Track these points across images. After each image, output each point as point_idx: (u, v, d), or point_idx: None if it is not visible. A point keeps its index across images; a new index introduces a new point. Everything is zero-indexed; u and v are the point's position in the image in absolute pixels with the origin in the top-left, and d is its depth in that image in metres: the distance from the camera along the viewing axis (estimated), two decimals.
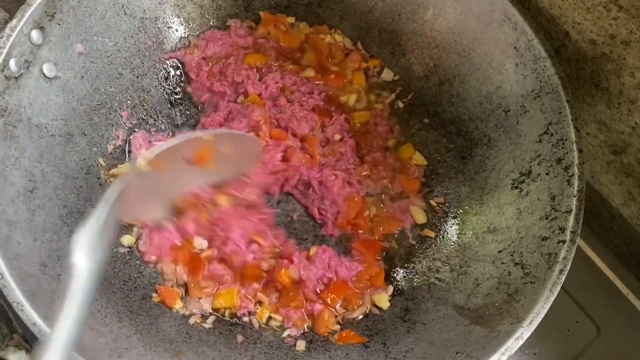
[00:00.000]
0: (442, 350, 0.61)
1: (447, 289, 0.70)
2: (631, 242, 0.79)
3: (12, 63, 0.60)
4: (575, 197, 0.61)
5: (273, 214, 0.75)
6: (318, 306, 0.70)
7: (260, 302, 0.70)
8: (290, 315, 0.69)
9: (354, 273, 0.72)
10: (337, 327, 0.70)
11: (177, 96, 0.80)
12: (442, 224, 0.76)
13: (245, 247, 0.70)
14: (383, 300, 0.71)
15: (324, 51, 0.82)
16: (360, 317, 0.71)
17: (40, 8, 0.62)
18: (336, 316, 0.70)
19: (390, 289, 0.73)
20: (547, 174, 0.65)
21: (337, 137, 0.78)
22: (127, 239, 0.71)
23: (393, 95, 0.82)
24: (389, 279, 0.73)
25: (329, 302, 0.70)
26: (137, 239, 0.71)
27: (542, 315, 0.57)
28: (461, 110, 0.77)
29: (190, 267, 0.70)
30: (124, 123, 0.76)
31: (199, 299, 0.69)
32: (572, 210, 0.61)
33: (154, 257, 0.71)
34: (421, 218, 0.77)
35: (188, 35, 0.80)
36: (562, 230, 0.60)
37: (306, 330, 0.70)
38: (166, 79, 0.80)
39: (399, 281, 0.74)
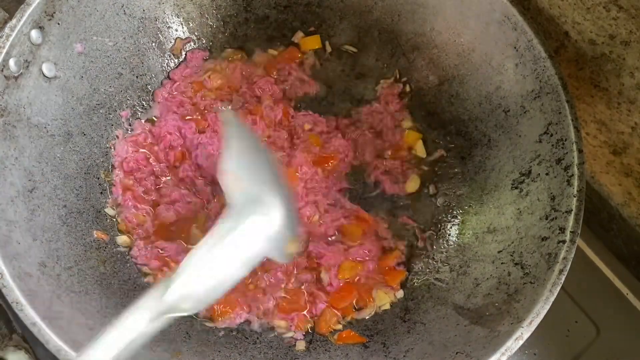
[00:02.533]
0: (442, 350, 0.61)
1: (446, 289, 0.70)
2: (631, 242, 0.79)
3: (11, 63, 0.60)
4: (575, 197, 0.61)
5: None
6: (321, 306, 0.70)
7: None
8: (293, 319, 0.69)
9: (370, 259, 0.73)
10: (340, 326, 0.70)
11: None
12: (441, 223, 0.77)
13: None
14: (384, 299, 0.71)
15: None
16: (366, 317, 0.71)
17: (39, 8, 0.62)
18: (339, 316, 0.71)
19: (401, 293, 0.73)
20: (547, 174, 0.65)
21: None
22: (122, 240, 0.71)
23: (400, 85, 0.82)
24: (404, 284, 0.73)
25: (336, 304, 0.70)
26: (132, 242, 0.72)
27: (542, 316, 0.57)
28: (461, 110, 0.77)
29: None
30: (124, 123, 0.76)
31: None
32: (572, 210, 0.61)
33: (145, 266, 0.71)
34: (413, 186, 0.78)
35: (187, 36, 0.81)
36: (562, 230, 0.60)
37: (308, 330, 0.70)
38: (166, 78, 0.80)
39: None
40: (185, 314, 0.47)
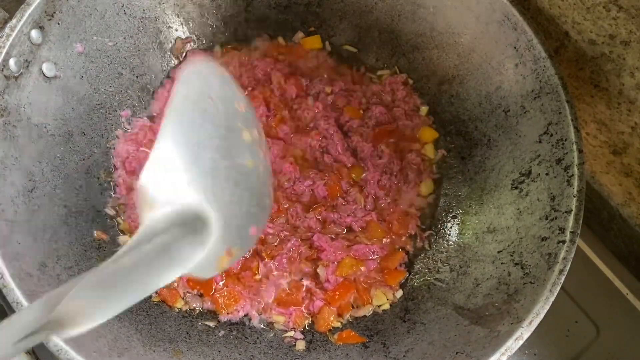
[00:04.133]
0: (442, 351, 0.61)
1: (447, 289, 0.70)
2: (631, 242, 0.79)
3: (11, 63, 0.60)
4: (575, 197, 0.61)
5: None
6: (318, 303, 0.70)
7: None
8: (291, 314, 0.70)
9: (373, 259, 0.72)
10: (338, 324, 0.70)
11: None
12: (441, 224, 0.77)
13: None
14: (382, 299, 0.71)
15: None
16: (364, 315, 0.71)
17: (39, 8, 0.62)
18: (336, 313, 0.71)
19: (400, 293, 0.73)
20: (546, 174, 0.65)
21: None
22: (124, 240, 0.71)
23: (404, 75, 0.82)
24: (404, 284, 0.74)
25: (333, 302, 0.70)
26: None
27: (541, 316, 0.57)
28: (461, 110, 0.77)
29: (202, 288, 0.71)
30: (124, 123, 0.76)
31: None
32: (571, 210, 0.61)
33: None
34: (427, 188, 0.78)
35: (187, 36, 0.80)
36: (562, 230, 0.60)
37: (306, 328, 0.70)
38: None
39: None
40: (69, 333, 0.38)
